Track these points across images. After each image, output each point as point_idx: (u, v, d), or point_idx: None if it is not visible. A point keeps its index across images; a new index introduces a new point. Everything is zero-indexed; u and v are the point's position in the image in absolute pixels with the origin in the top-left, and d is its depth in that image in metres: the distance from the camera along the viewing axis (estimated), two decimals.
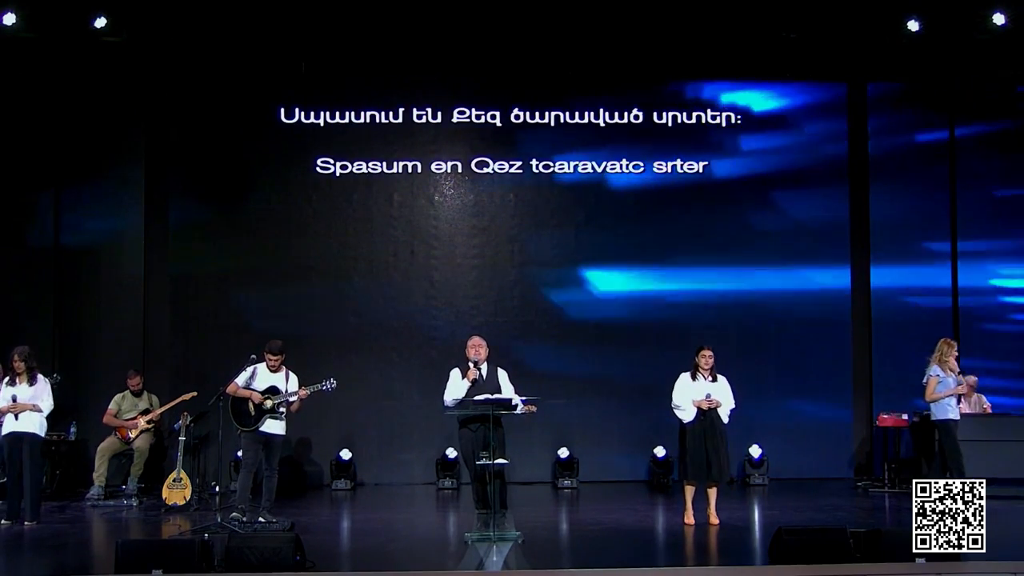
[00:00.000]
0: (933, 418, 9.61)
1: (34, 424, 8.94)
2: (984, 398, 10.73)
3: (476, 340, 8.50)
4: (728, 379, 8.63)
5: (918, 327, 11.71)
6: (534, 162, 12.10)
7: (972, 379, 10.70)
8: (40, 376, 9.08)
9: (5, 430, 8.94)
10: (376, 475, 11.71)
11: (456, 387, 8.34)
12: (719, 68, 12.10)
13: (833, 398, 12.02)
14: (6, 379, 9.08)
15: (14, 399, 8.90)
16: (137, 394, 10.64)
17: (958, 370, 9.68)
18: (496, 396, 8.06)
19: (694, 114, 12.18)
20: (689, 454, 8.42)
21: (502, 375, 8.54)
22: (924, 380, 9.57)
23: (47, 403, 9.03)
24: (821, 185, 12.17)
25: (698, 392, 8.46)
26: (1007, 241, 12.17)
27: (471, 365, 8.37)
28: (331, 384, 8.69)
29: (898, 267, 12.09)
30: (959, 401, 9.76)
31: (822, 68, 12.08)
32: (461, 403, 8.13)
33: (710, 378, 8.51)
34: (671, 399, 8.55)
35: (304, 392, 8.68)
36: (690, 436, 8.42)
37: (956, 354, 9.66)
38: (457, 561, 7.07)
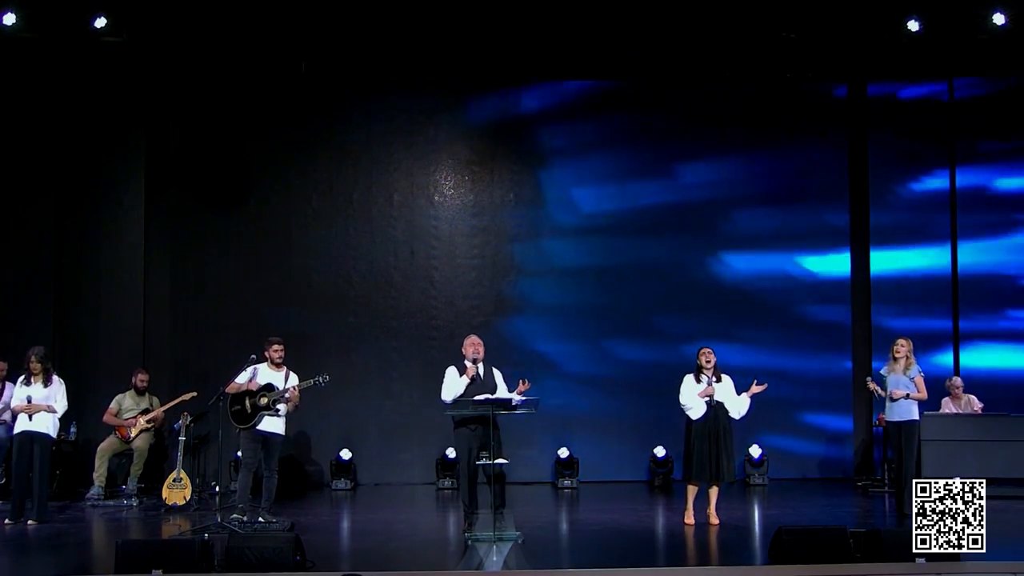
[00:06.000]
0: (902, 419, 9.05)
1: (47, 425, 8.99)
2: (975, 399, 10.59)
3: (474, 339, 8.57)
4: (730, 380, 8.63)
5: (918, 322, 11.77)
6: (534, 162, 12.11)
7: (958, 381, 10.66)
8: (55, 377, 9.13)
9: (18, 429, 8.98)
10: (376, 475, 11.71)
11: (454, 384, 8.36)
12: (718, 68, 12.09)
13: (833, 398, 12.02)
14: (21, 379, 9.11)
15: (29, 399, 8.94)
16: (140, 392, 10.63)
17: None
18: (496, 396, 8.08)
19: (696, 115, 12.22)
20: (694, 453, 8.42)
21: (498, 375, 8.58)
22: (912, 378, 9.04)
23: (61, 404, 9.09)
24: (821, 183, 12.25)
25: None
26: None
27: (468, 363, 8.41)
28: (324, 379, 8.65)
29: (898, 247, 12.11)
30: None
31: (822, 68, 12.08)
32: (459, 402, 8.13)
33: (714, 378, 8.52)
34: (678, 399, 8.56)
35: (294, 393, 8.65)
36: (697, 435, 8.43)
37: None
38: (457, 561, 7.08)
